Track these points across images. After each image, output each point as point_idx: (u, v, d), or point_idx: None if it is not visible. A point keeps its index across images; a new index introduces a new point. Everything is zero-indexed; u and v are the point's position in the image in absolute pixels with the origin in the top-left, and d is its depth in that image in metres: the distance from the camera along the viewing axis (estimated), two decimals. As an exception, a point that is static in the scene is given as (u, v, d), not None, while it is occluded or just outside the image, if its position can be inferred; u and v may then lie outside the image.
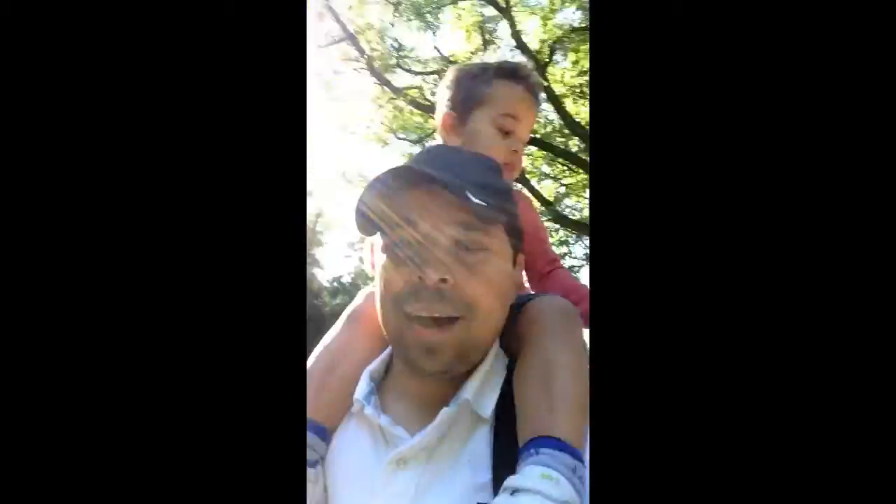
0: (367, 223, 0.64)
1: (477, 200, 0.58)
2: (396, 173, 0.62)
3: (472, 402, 0.63)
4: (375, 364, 0.72)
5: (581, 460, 0.57)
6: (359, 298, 0.79)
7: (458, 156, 0.71)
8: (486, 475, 0.60)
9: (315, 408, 0.68)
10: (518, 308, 0.72)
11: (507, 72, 1.00)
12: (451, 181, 0.59)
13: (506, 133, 0.96)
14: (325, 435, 0.68)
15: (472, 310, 0.61)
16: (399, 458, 0.62)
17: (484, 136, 0.97)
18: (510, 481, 0.55)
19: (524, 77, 1.01)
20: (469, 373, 0.65)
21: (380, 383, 0.71)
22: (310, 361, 0.74)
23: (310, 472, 0.64)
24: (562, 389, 0.61)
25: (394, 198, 0.63)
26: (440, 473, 0.61)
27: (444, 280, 0.60)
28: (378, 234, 0.66)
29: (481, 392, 0.65)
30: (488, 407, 0.65)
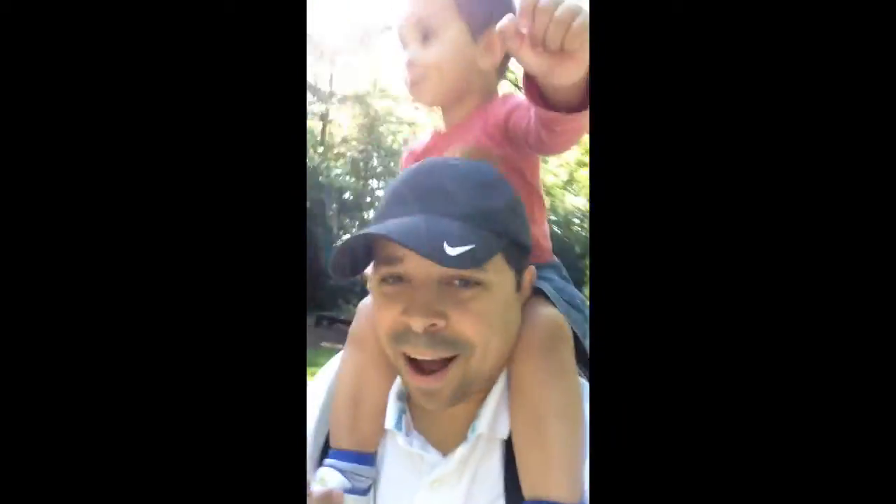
0: (350, 263, 0.62)
1: (458, 251, 0.53)
2: (371, 238, 0.59)
3: (486, 435, 0.64)
4: (399, 384, 0.70)
5: None
6: (357, 319, 0.75)
7: (451, 172, 0.62)
8: (498, 487, 0.63)
9: (356, 441, 0.69)
10: None
11: None
12: (427, 246, 0.53)
13: None
14: (373, 461, 0.69)
15: (468, 347, 0.59)
16: (434, 480, 0.64)
17: None
18: None
19: None
20: (483, 398, 0.65)
21: (407, 400, 0.70)
22: (328, 393, 0.74)
23: (360, 499, 0.66)
24: (556, 441, 0.60)
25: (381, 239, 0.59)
26: (468, 490, 0.64)
27: (433, 325, 0.57)
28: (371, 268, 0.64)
29: (495, 420, 0.65)
30: (504, 430, 0.65)
